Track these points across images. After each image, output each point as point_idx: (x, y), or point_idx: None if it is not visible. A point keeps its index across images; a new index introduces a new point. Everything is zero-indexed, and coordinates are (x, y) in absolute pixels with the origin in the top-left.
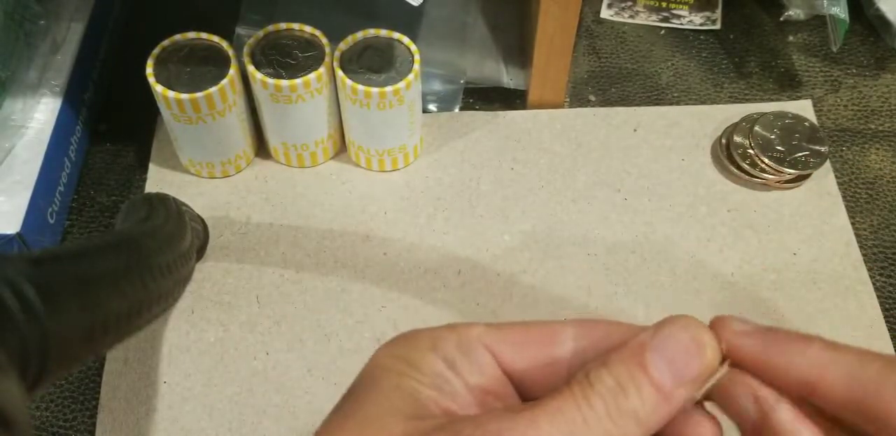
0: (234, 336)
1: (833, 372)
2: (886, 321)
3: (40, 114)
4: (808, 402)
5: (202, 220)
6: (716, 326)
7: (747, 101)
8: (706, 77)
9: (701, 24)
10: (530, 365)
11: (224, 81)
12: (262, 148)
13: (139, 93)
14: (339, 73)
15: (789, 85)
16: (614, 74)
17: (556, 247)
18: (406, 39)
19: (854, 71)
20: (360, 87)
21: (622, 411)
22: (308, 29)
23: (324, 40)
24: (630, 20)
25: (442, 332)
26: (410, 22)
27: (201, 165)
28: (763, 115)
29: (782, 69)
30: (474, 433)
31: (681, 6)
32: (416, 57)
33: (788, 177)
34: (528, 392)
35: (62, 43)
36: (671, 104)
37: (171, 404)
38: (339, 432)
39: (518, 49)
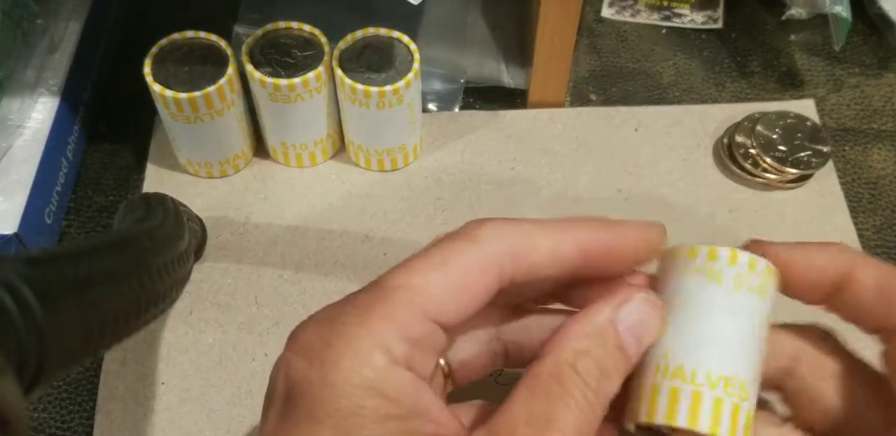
0: (233, 337)
1: (862, 274)
2: None
3: (38, 113)
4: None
5: (200, 220)
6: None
7: (749, 100)
8: (708, 76)
9: (702, 23)
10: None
11: (222, 80)
12: (260, 148)
13: (137, 92)
14: (339, 72)
15: (791, 84)
16: (615, 74)
17: None
18: (406, 38)
19: (857, 70)
20: (360, 86)
21: (607, 394)
22: (307, 28)
23: (323, 39)
24: (631, 19)
25: (382, 327)
26: (410, 21)
27: (199, 164)
28: (765, 114)
29: (784, 68)
30: None
31: (682, 5)
32: (416, 56)
33: (790, 177)
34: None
35: (60, 42)
36: (672, 103)
37: (170, 406)
38: None
39: (518, 48)
